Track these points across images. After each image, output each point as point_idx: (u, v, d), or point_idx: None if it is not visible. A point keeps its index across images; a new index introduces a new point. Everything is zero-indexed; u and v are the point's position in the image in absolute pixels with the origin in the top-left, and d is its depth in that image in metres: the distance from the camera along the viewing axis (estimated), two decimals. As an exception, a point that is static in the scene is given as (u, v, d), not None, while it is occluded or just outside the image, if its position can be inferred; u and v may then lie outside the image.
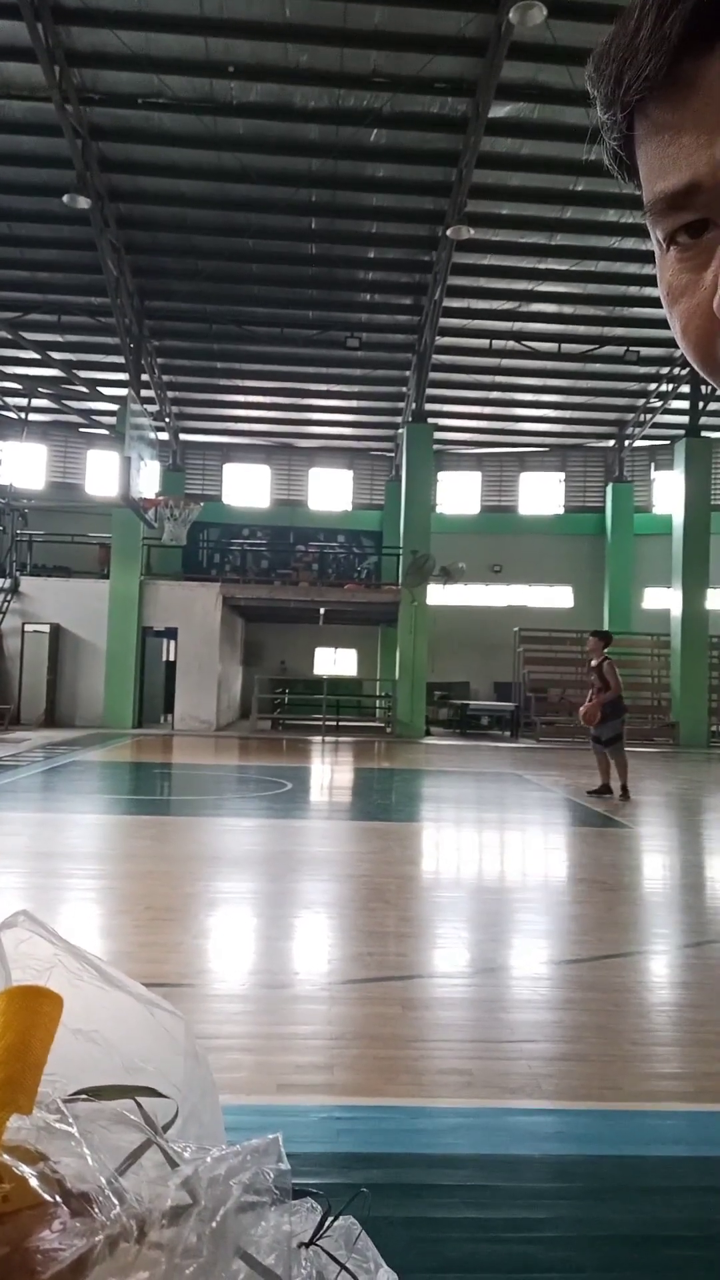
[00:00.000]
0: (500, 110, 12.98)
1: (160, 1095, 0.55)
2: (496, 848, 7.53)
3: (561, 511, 24.64)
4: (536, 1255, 1.95)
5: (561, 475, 24.74)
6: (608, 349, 18.79)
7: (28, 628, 18.00)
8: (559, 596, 24.29)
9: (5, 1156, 0.44)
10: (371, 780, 12.07)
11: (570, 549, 24.02)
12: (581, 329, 18.43)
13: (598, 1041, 3.18)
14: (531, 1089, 2.79)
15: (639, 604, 23.60)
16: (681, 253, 0.45)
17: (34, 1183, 0.43)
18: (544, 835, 8.16)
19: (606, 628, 22.69)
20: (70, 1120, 0.48)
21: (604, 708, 9.66)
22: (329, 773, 12.74)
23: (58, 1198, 0.43)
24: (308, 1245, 0.49)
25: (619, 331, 18.34)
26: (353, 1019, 3.31)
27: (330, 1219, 0.50)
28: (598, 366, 19.63)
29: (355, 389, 21.19)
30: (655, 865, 6.95)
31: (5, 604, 18.05)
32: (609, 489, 23.81)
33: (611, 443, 23.52)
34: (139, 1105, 0.52)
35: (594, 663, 9.90)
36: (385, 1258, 0.53)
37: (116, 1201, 0.44)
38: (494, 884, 5.99)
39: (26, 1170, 0.44)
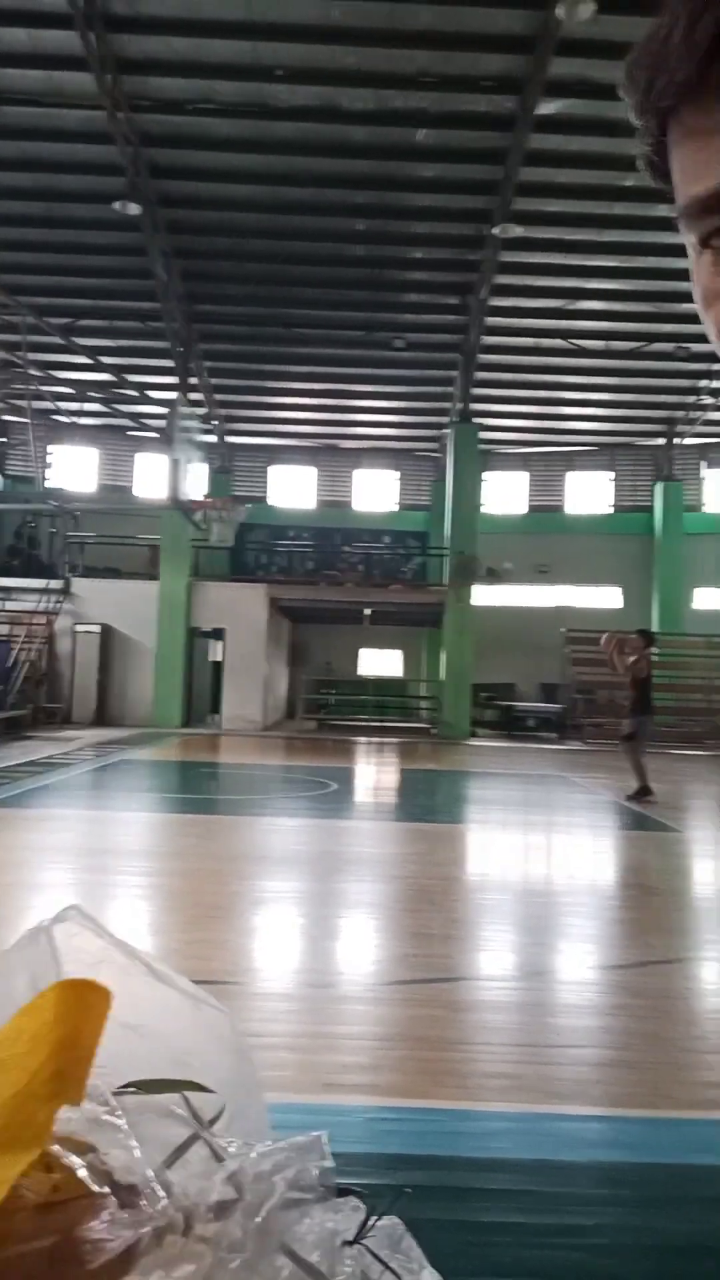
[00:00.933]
0: (549, 107, 12.87)
1: (207, 1090, 0.55)
2: (542, 851, 7.47)
3: (610, 511, 24.34)
4: (585, 1262, 1.93)
5: (610, 474, 24.44)
6: (657, 346, 18.52)
7: (78, 628, 18.30)
8: (607, 597, 24.00)
9: (55, 1147, 0.45)
10: (416, 781, 12.05)
11: (619, 549, 23.71)
12: (630, 326, 18.20)
13: (647, 1048, 3.13)
14: (579, 1095, 2.76)
15: (690, 604, 23.23)
16: (717, 256, 0.45)
17: (83, 1173, 0.44)
18: (590, 838, 8.07)
19: (656, 628, 22.41)
20: (119, 1113, 0.49)
21: (632, 705, 9.64)
22: (374, 773, 12.74)
23: (106, 1189, 0.44)
24: (352, 1244, 0.49)
25: (669, 328, 18.07)
26: (398, 1020, 3.30)
27: (374, 1218, 0.50)
28: (647, 364, 19.36)
29: (401, 390, 21.17)
30: (704, 870, 6.84)
31: (57, 605, 18.36)
32: (658, 488, 23.47)
33: (661, 441, 23.17)
34: (186, 1100, 0.53)
35: (632, 659, 9.75)
36: (431, 1260, 0.53)
37: (163, 1194, 0.44)
38: (540, 887, 5.94)
39: (76, 1161, 0.45)
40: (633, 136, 0.46)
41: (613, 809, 9.47)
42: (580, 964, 4.22)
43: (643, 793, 9.62)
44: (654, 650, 10.07)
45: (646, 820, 8.71)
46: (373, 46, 12.15)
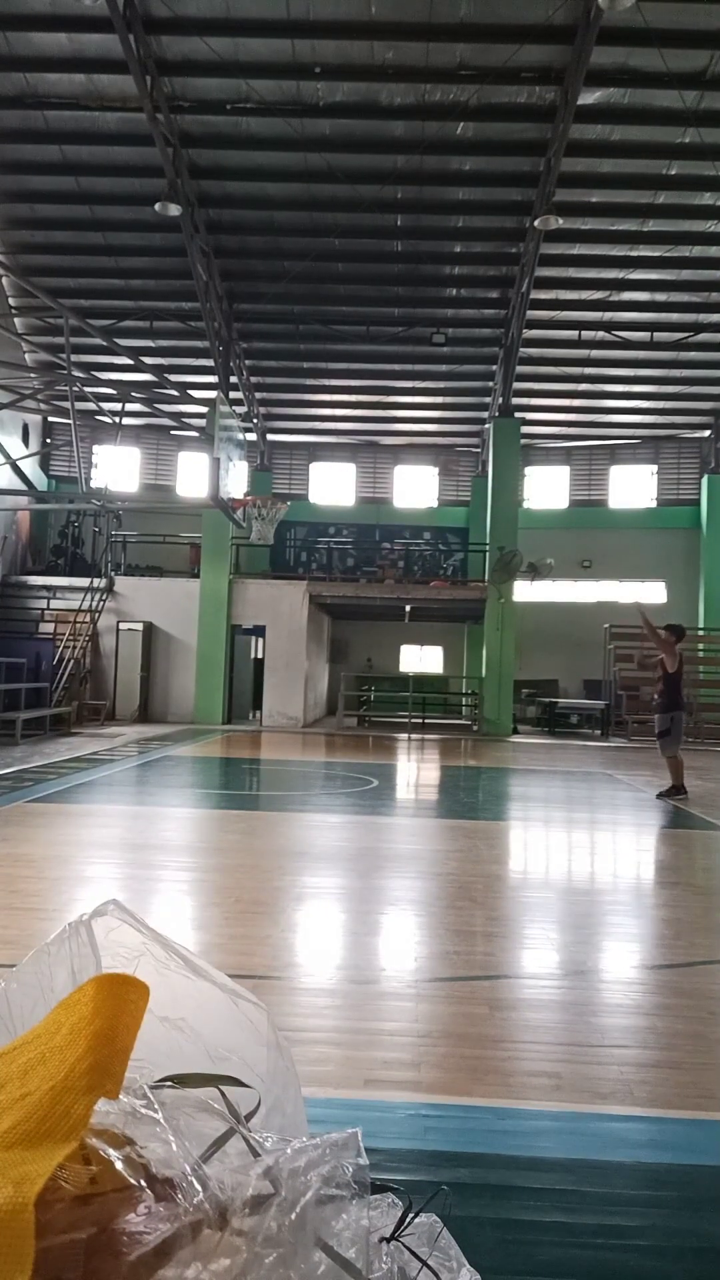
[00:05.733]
0: (590, 97, 12.72)
1: (244, 1085, 0.55)
2: (586, 848, 7.40)
3: (654, 505, 24.01)
4: (627, 1263, 1.91)
5: (654, 467, 24.09)
6: (703, 336, 18.24)
7: (122, 626, 18.52)
8: (651, 592, 23.66)
9: (93, 1140, 0.45)
10: (458, 778, 12.00)
11: (663, 543, 23.38)
12: (675, 316, 17.93)
13: (693, 1049, 3.09)
14: (623, 1095, 2.73)
15: (736, 599, 22.83)
16: None
17: (120, 1166, 0.45)
18: (635, 836, 7.98)
19: (702, 623, 22.09)
20: (156, 1106, 0.49)
21: (664, 701, 9.70)
22: (415, 770, 12.72)
23: (143, 1182, 0.44)
24: (389, 1240, 0.49)
25: (715, 318, 17.79)
26: (440, 1017, 3.30)
27: (411, 1215, 0.50)
28: (692, 354, 19.06)
29: (441, 385, 21.08)
30: (753, 869, 6.71)
31: (101, 603, 18.60)
32: (704, 480, 23.09)
33: (707, 433, 22.80)
34: (223, 1094, 0.53)
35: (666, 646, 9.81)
36: (472, 1257, 0.53)
37: (200, 1188, 0.45)
38: (583, 885, 5.89)
39: (113, 1154, 0.45)
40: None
41: (657, 806, 9.36)
42: (624, 963, 4.18)
43: (676, 791, 9.56)
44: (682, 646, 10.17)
45: (691, 818, 8.59)
46: (411, 40, 12.11)
